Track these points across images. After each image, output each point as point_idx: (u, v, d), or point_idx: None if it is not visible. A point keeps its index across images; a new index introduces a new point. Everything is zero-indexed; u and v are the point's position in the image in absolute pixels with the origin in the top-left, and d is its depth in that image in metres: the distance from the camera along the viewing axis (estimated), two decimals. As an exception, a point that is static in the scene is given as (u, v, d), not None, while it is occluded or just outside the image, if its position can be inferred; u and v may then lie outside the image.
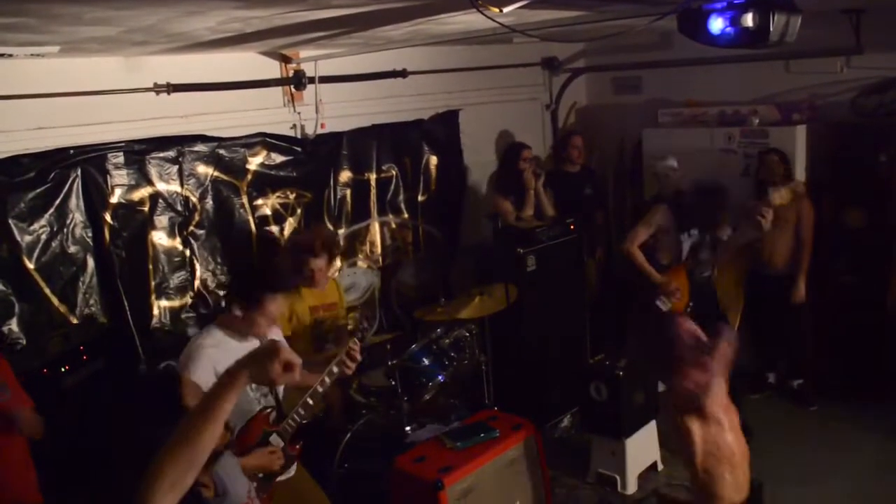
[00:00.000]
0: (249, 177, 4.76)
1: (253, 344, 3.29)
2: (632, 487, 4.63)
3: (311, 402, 3.28)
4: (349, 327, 4.43)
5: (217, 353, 3.18)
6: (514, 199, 5.62)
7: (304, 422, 3.44)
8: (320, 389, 3.31)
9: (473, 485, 3.62)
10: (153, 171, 4.29)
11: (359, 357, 3.37)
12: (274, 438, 3.21)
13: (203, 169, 4.51)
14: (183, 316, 4.48)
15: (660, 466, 4.85)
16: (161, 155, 4.32)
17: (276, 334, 3.50)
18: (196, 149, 4.46)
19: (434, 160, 5.74)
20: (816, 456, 4.88)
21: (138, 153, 4.24)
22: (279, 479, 3.32)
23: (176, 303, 4.47)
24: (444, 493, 3.45)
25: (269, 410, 3.29)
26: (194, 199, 4.49)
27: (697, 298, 5.02)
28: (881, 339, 5.40)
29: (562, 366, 5.32)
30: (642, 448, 4.73)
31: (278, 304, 3.40)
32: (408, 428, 4.21)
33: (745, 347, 5.85)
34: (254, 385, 3.22)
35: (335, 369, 3.34)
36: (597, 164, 6.66)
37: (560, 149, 6.31)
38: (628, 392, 4.55)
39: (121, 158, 4.17)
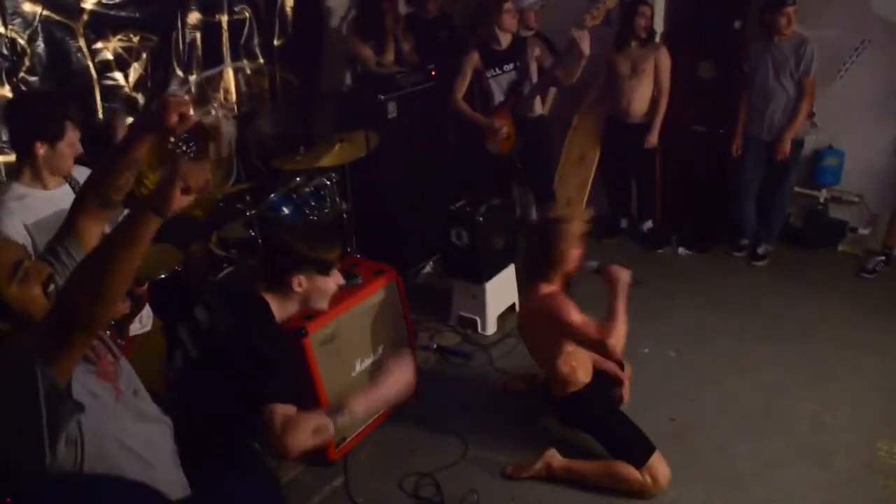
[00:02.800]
0: (85, 17, 4.35)
1: (62, 192, 3.04)
2: (491, 328, 4.82)
3: None
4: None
5: (22, 205, 2.90)
6: (374, 45, 5.44)
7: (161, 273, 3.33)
8: None
9: (337, 330, 3.64)
10: (-32, 10, 3.86)
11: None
12: None
13: (29, 7, 4.07)
14: (22, 170, 4.17)
15: (517, 308, 5.06)
16: (-25, -10, 3.87)
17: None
18: (18, -17, 4.02)
19: (290, 1, 5.43)
20: (661, 295, 5.19)
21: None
22: (136, 332, 3.23)
23: (12, 157, 4.14)
24: (307, 340, 3.47)
25: None
26: (22, 42, 4.08)
27: (529, 139, 4.97)
28: (725, 185, 5.71)
29: (424, 212, 5.35)
30: (501, 291, 4.90)
31: (77, 135, 3.05)
32: (270, 278, 4.16)
33: (600, 193, 6.13)
34: None
35: None
36: (459, 12, 6.48)
37: None
38: (488, 237, 4.65)
39: (-76, -7, 3.71)
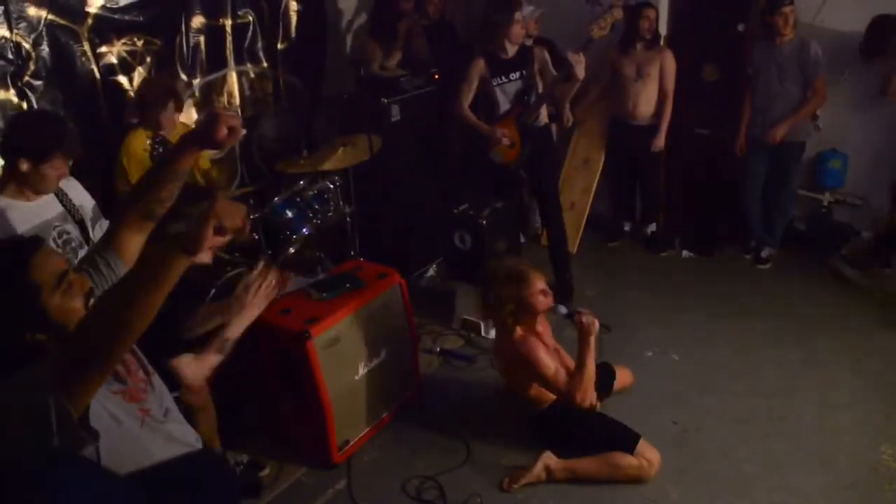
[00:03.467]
0: (90, 21, 4.36)
1: (45, 201, 3.02)
2: (494, 332, 4.80)
3: None
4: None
5: (5, 217, 2.88)
6: (384, 46, 5.46)
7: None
8: None
9: (341, 334, 3.65)
10: (-27, 14, 3.87)
11: None
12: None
13: (34, 11, 4.08)
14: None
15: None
16: (-20, -6, 3.88)
17: (73, 185, 3.24)
18: (23, -12, 4.03)
19: (293, 5, 5.43)
20: (664, 298, 5.20)
21: (-50, -9, 3.77)
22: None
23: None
24: (311, 343, 3.46)
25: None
26: (27, 46, 4.09)
27: (534, 148, 4.92)
28: (729, 187, 5.70)
29: (427, 216, 5.36)
30: (505, 293, 4.88)
31: (66, 163, 3.02)
32: (273, 281, 4.17)
33: (603, 196, 6.12)
34: (60, 241, 3.00)
35: None
36: (461, 18, 6.47)
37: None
38: (491, 240, 4.65)
39: (-69, -3, 3.72)
